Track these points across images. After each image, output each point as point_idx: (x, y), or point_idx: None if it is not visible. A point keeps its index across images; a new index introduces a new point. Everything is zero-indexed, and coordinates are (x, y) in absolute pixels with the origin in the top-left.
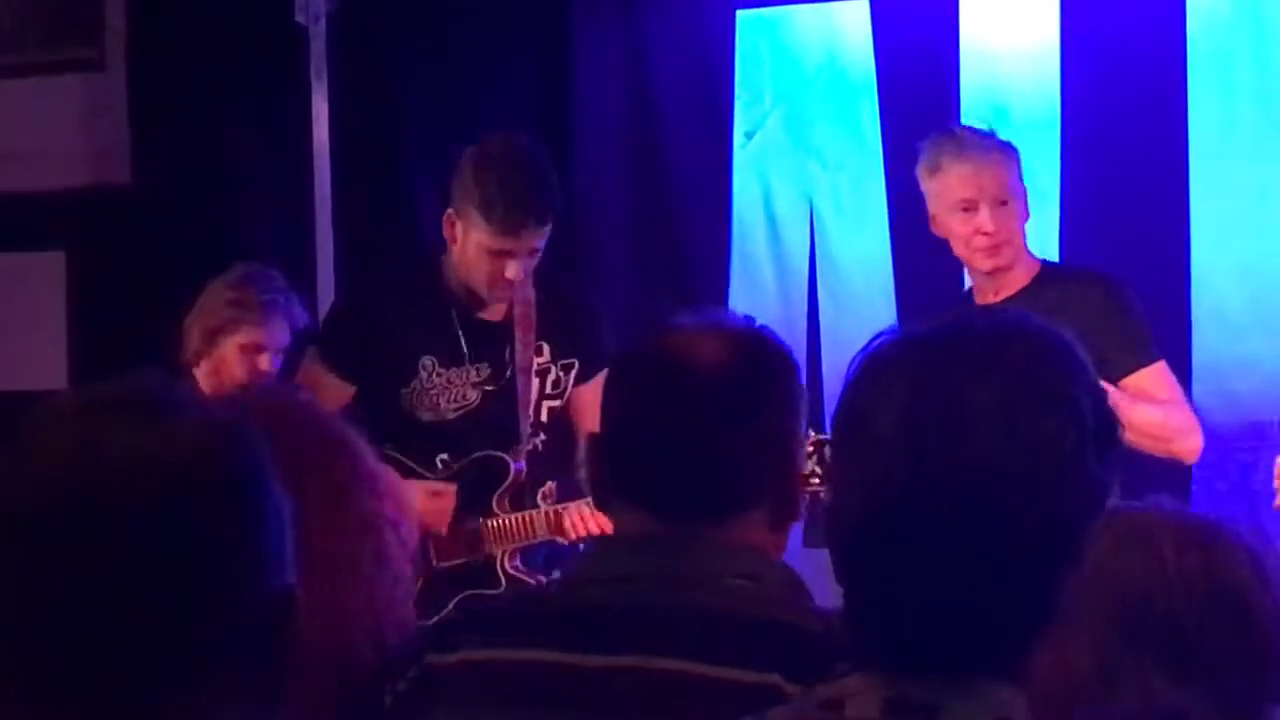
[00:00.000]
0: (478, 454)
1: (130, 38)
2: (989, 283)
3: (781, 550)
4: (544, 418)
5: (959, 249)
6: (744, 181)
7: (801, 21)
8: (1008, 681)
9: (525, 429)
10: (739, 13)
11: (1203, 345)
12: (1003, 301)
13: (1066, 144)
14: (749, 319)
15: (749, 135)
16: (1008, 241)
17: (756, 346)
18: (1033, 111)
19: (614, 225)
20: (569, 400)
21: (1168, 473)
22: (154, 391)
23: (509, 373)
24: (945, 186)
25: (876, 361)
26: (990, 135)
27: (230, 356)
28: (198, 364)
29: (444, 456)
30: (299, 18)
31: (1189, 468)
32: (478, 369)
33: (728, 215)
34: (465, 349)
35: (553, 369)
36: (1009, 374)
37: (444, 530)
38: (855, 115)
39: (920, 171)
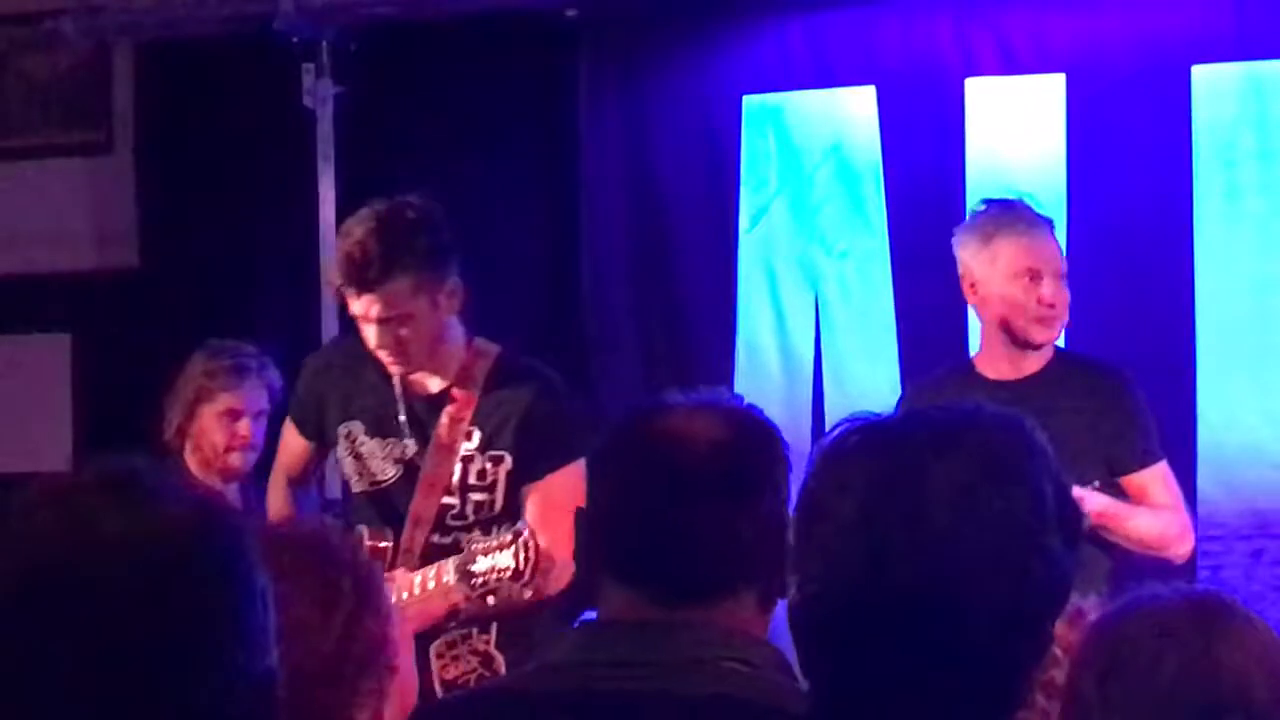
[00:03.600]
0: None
1: (138, 121)
2: (1018, 357)
3: (766, 627)
4: (469, 511)
5: (1015, 318)
6: (749, 267)
7: (808, 107)
8: None
9: (419, 511)
10: (745, 98)
11: (1207, 434)
12: (1023, 380)
13: (1073, 231)
14: (738, 398)
15: (754, 221)
16: (1063, 315)
17: (747, 426)
18: (1039, 196)
19: (619, 310)
20: (522, 500)
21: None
22: (140, 475)
23: (424, 454)
24: (1004, 255)
25: (836, 450)
26: (1033, 209)
27: (210, 425)
28: (182, 442)
29: (361, 530)
30: (306, 101)
31: (1194, 558)
32: (403, 445)
33: (733, 301)
34: (398, 419)
35: (478, 458)
36: (967, 458)
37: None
38: (861, 201)
39: (966, 239)
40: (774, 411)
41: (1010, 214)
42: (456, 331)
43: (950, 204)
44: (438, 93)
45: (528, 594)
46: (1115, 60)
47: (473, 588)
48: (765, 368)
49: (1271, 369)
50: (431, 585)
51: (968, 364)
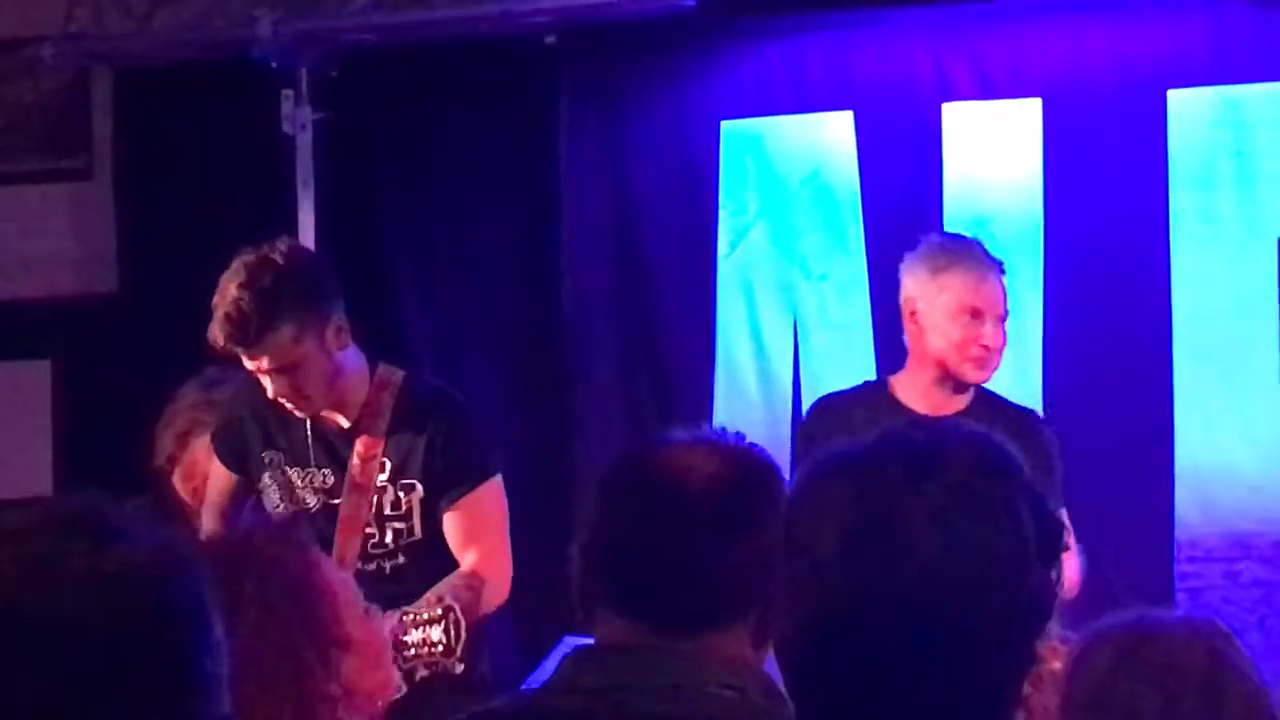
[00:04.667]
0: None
1: (117, 147)
2: (943, 393)
3: (763, 659)
4: (389, 539)
5: (949, 355)
6: (728, 291)
7: (786, 133)
8: None
9: (342, 548)
10: (723, 123)
11: (1185, 456)
12: (942, 419)
13: (1049, 256)
14: (739, 436)
15: (733, 245)
16: (998, 359)
17: (747, 463)
18: (1015, 225)
19: (598, 335)
20: (440, 525)
21: (1149, 585)
22: (105, 516)
23: (343, 485)
24: (951, 290)
25: (812, 484)
26: (986, 250)
27: (202, 458)
28: (172, 469)
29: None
30: (285, 127)
31: (1171, 580)
32: (322, 474)
33: (712, 324)
34: (310, 451)
35: (390, 488)
36: (944, 486)
37: None
38: (840, 226)
39: (915, 267)
40: (753, 434)
41: (963, 250)
42: (356, 363)
43: (928, 227)
44: (417, 119)
45: (459, 668)
46: (1091, 85)
47: (404, 659)
48: (744, 390)
49: (1248, 391)
50: None
51: (882, 384)
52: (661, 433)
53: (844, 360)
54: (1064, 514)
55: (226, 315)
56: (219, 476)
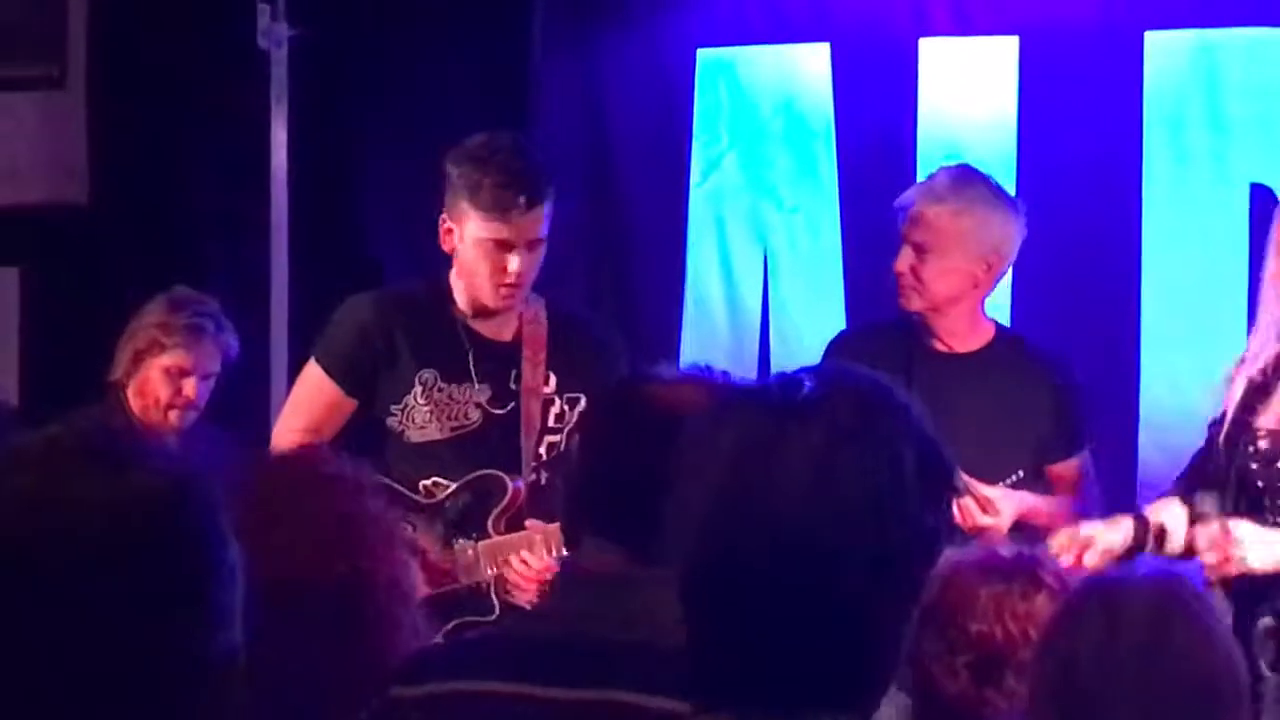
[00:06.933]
0: (475, 474)
1: (91, 57)
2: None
3: None
4: (543, 451)
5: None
6: (699, 221)
7: (761, 63)
8: (855, 716)
9: (529, 454)
10: (699, 51)
11: (1150, 400)
12: (953, 356)
13: (1022, 194)
14: (725, 373)
15: (705, 174)
16: (912, 287)
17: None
18: (989, 162)
19: (567, 260)
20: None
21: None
22: (118, 441)
23: (514, 394)
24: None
25: (711, 412)
26: (952, 183)
27: (155, 378)
28: (127, 384)
29: (429, 482)
30: (261, 43)
31: None
32: (481, 388)
33: (682, 254)
34: (471, 366)
35: (557, 401)
36: (826, 423)
37: (431, 556)
38: (812, 158)
39: (1009, 210)
40: (721, 364)
41: (915, 187)
42: None
43: (901, 163)
44: (392, 40)
45: None
46: (1068, 24)
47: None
48: (713, 320)
49: (1215, 336)
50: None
51: (908, 323)
52: (649, 367)
53: (813, 293)
54: (1084, 456)
55: (512, 172)
56: (323, 398)
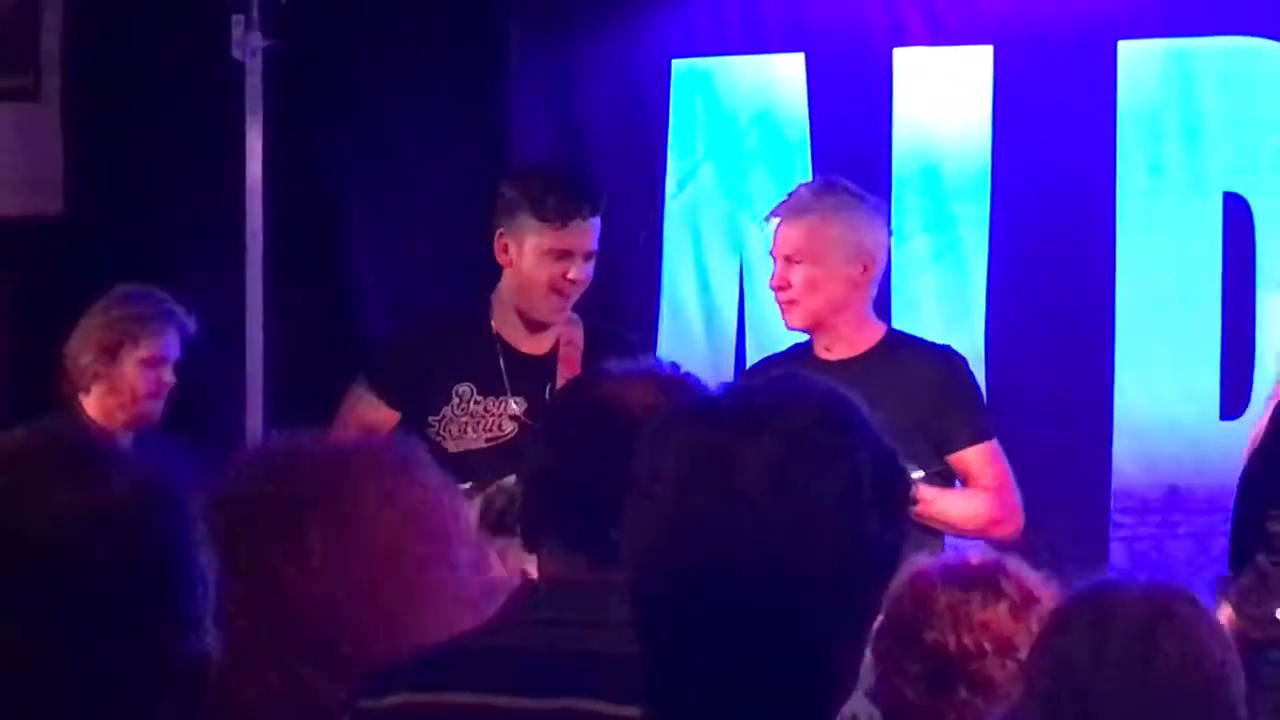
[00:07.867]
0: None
1: (66, 68)
2: (818, 340)
3: None
4: None
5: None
6: (675, 231)
7: (737, 73)
8: None
9: None
10: (674, 62)
11: (1124, 405)
12: (844, 361)
13: (996, 203)
14: (675, 366)
15: (681, 185)
16: (795, 301)
17: (680, 393)
18: (964, 171)
19: None
20: None
21: (1084, 534)
22: (89, 446)
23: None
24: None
25: (658, 427)
26: (814, 195)
27: (131, 372)
28: (88, 391)
29: (467, 487)
30: (235, 53)
31: (1106, 529)
32: (516, 401)
33: (658, 264)
34: (505, 380)
35: None
36: (780, 435)
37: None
38: (788, 168)
39: (879, 222)
40: (697, 373)
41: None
42: None
43: (876, 172)
44: (367, 50)
45: None
46: (1043, 33)
47: None
48: (689, 330)
49: (1190, 345)
50: None
51: (806, 346)
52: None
53: None
54: (989, 445)
55: (582, 179)
56: (376, 414)
